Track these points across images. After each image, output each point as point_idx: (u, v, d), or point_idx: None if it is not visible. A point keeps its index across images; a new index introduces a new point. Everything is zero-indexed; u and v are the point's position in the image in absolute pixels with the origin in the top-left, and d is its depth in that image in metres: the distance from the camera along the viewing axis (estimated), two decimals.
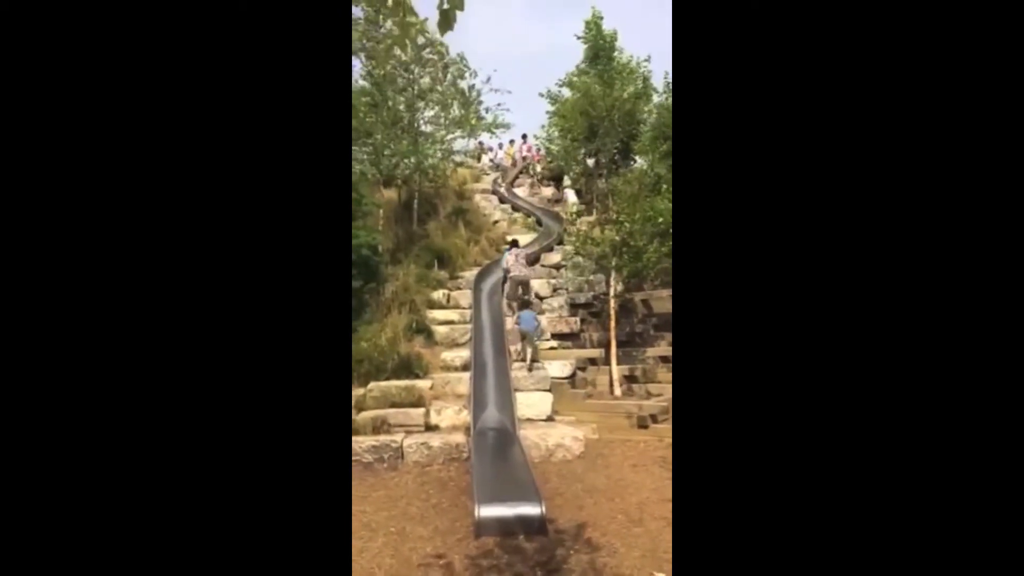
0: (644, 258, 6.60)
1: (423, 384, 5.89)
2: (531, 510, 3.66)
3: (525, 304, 7.06)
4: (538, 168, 13.50)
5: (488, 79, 10.87)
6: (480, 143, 13.93)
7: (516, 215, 11.22)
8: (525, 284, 7.40)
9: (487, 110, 10.05)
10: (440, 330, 7.03)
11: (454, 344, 6.88)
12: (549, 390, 5.95)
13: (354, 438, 5.06)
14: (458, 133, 10.45)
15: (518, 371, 6.13)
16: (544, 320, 7.39)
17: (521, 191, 12.87)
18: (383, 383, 5.80)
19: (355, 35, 8.78)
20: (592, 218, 9.06)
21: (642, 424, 5.51)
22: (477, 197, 11.84)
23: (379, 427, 5.29)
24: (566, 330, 7.44)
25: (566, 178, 11.88)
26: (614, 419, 5.66)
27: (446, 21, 1.40)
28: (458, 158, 11.17)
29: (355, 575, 3.04)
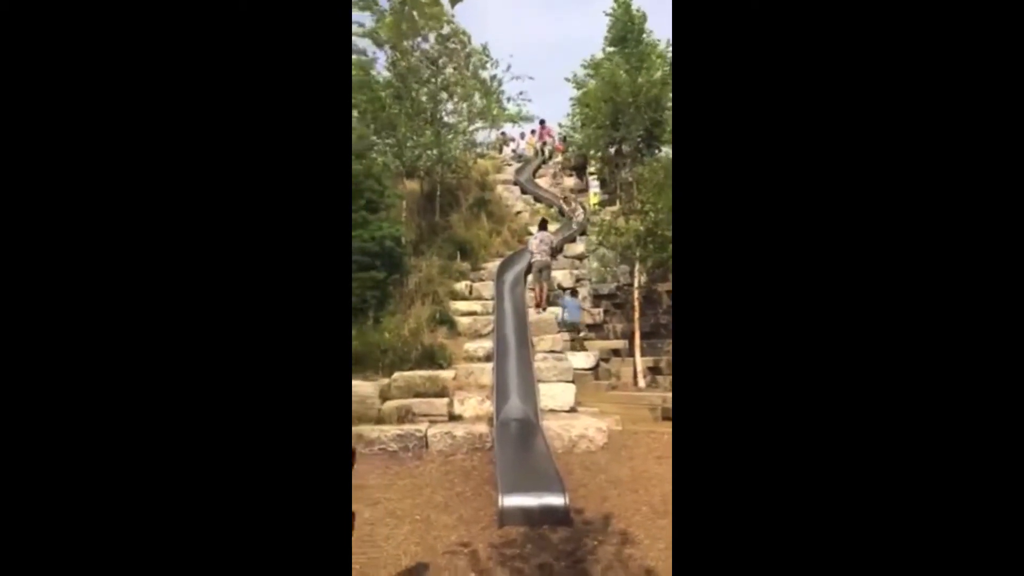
0: (669, 248, 6.50)
1: (446, 374, 5.93)
2: (555, 500, 3.66)
3: (573, 293, 7.39)
4: (559, 157, 13.37)
5: (508, 67, 10.76)
6: (502, 133, 13.86)
7: (538, 205, 11.16)
8: (546, 269, 7.39)
9: (508, 99, 10.00)
10: (463, 321, 7.07)
11: (477, 335, 6.90)
12: (572, 381, 5.93)
13: (379, 427, 5.14)
14: (480, 124, 10.43)
15: (541, 362, 6.12)
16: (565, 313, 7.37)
17: (543, 181, 12.79)
18: (407, 373, 5.86)
19: (381, 26, 8.80)
20: (616, 208, 8.95)
21: (666, 416, 5.45)
22: (499, 188, 11.82)
23: (404, 416, 5.36)
24: (589, 321, 7.39)
25: (589, 167, 11.74)
26: (638, 411, 5.61)
27: None
28: (480, 149, 11.15)
29: (380, 562, 3.09)
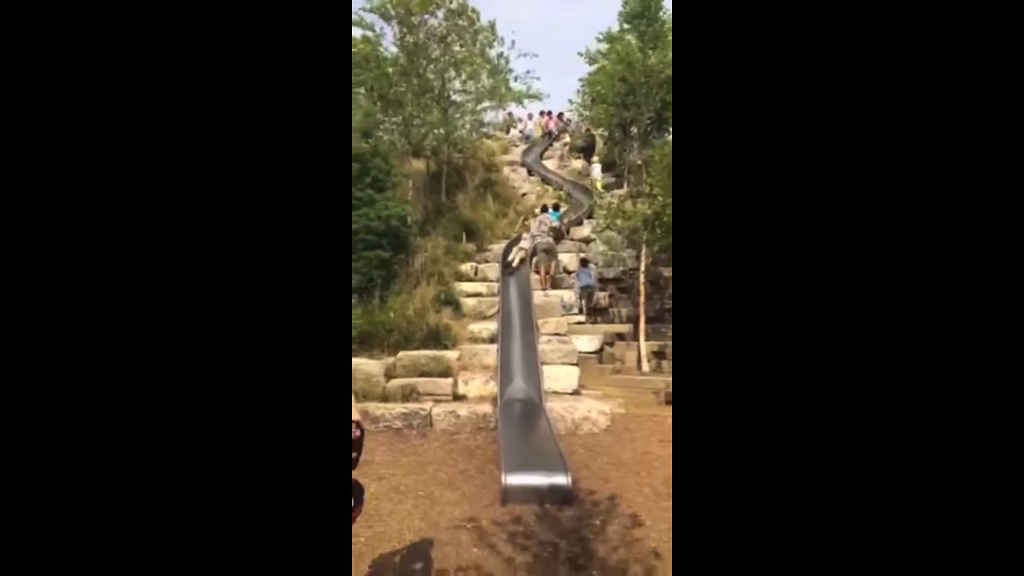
0: None
1: (451, 355, 5.96)
2: (558, 480, 3.70)
3: (584, 263, 7.51)
4: (567, 138, 13.22)
5: (512, 43, 10.55)
6: (509, 114, 13.71)
7: (547, 187, 11.08)
8: (551, 250, 7.39)
9: (516, 79, 9.85)
10: (468, 302, 7.07)
11: (481, 316, 6.92)
12: (576, 364, 5.95)
13: (384, 405, 5.19)
14: (488, 103, 10.29)
15: (545, 344, 6.14)
16: (571, 295, 7.36)
17: (551, 163, 12.68)
18: (412, 352, 5.89)
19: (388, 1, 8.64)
20: (624, 191, 8.87)
21: (670, 400, 5.48)
22: (506, 169, 11.73)
23: (408, 395, 5.40)
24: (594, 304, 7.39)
25: (597, 147, 11.61)
26: (641, 394, 5.64)
27: None
28: (487, 129, 11.03)
29: (385, 536, 3.14)
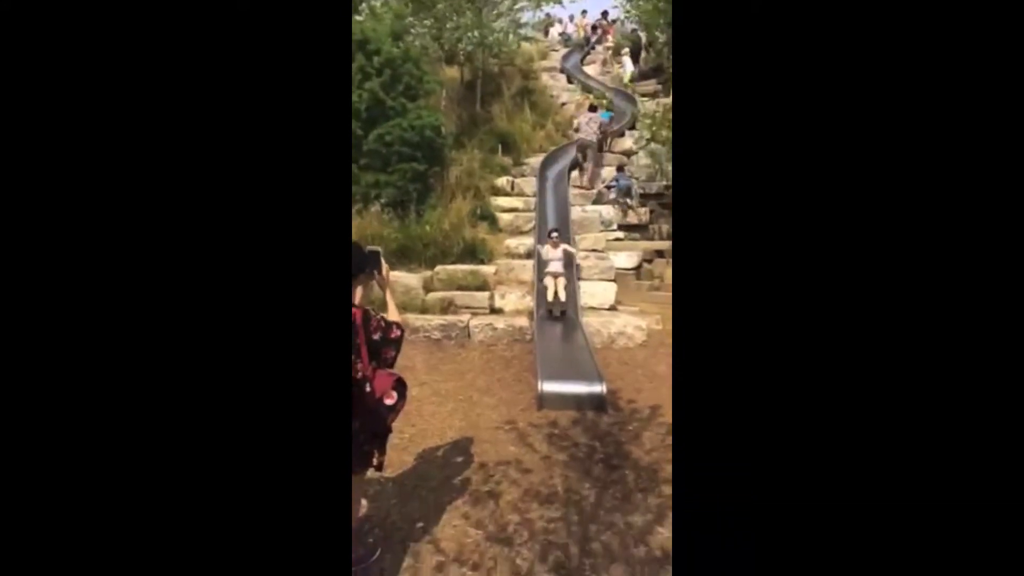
0: None
1: (487, 269, 5.99)
2: (593, 388, 3.78)
3: (620, 168, 7.32)
4: (610, 41, 12.22)
5: None
6: (548, 14, 12.67)
7: (587, 96, 10.45)
8: (592, 148, 7.12)
9: None
10: (504, 217, 6.98)
11: (518, 231, 6.84)
12: (613, 280, 5.89)
13: (424, 316, 5.33)
14: (524, 3, 9.50)
15: (582, 260, 6.06)
16: (610, 211, 7.13)
17: (592, 69, 11.85)
18: (449, 267, 5.94)
19: None
20: (669, 99, 8.25)
21: None
22: (544, 76, 11.06)
23: (446, 308, 5.52)
24: (634, 221, 7.17)
25: (642, 54, 10.72)
26: None
27: None
28: (525, 31, 10.27)
29: (428, 434, 3.34)
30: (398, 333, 1.95)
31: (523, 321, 5.24)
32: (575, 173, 7.25)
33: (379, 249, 1.96)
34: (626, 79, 9.00)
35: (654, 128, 6.75)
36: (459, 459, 3.04)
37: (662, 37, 9.70)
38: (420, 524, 2.39)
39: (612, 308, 5.63)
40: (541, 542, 2.26)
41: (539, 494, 2.65)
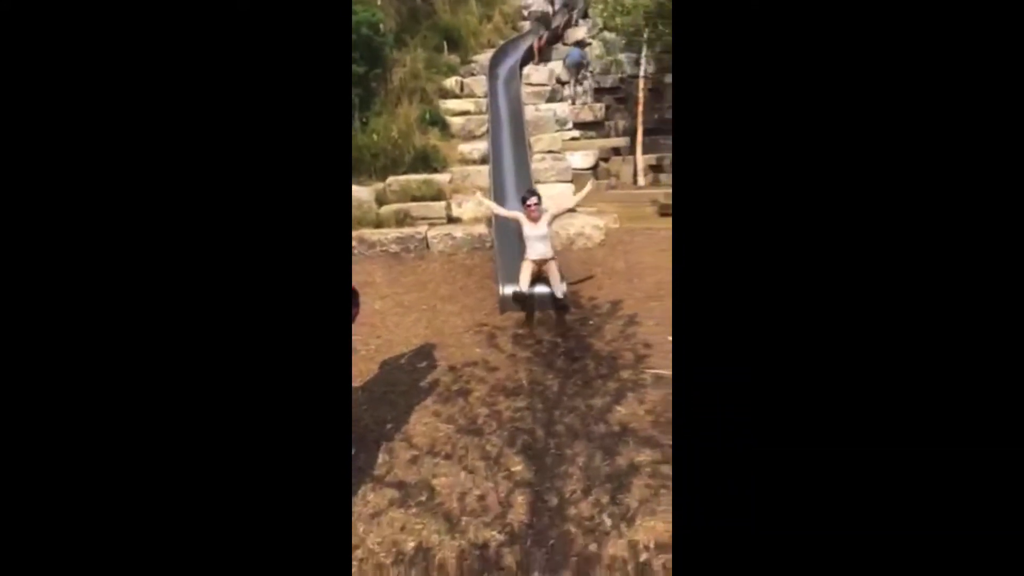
0: None
1: (442, 178, 5.79)
2: (553, 288, 3.84)
3: (579, 44, 7.15)
4: None
5: None
6: None
7: None
8: (545, 17, 6.92)
9: None
10: (455, 121, 6.64)
11: (471, 136, 6.56)
12: (571, 181, 5.81)
13: (379, 231, 5.19)
14: None
15: (539, 163, 5.91)
16: (566, 108, 6.87)
17: None
18: (402, 177, 5.71)
19: None
20: None
21: (664, 212, 5.47)
22: None
23: (402, 220, 5.38)
24: (590, 118, 6.95)
25: None
26: (637, 208, 5.61)
27: None
28: None
29: (393, 344, 3.37)
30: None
31: (482, 229, 5.17)
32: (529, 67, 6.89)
33: None
34: None
35: (605, 15, 6.34)
36: (425, 363, 3.11)
37: None
38: (390, 425, 2.48)
39: (571, 210, 5.60)
40: (509, 429, 2.40)
41: (505, 388, 2.77)
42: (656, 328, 3.35)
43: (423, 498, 1.99)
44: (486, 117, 6.53)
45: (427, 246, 5.13)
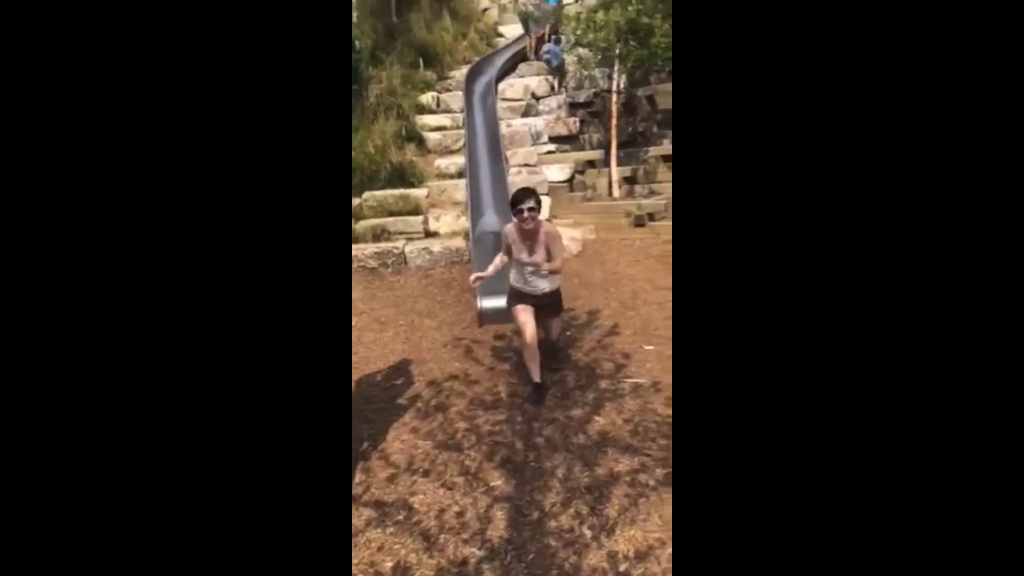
0: (652, 43, 5.89)
1: (419, 192, 5.79)
2: None
3: (556, 41, 7.49)
4: None
5: None
6: None
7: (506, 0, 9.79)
8: (529, 19, 7.51)
9: None
10: (432, 136, 6.66)
11: (447, 151, 6.58)
12: (547, 194, 5.87)
13: (356, 246, 5.15)
14: None
15: (515, 176, 5.96)
16: (541, 122, 6.95)
17: None
18: (378, 193, 5.69)
19: None
20: (595, 0, 7.88)
21: (639, 223, 5.56)
22: None
23: (379, 235, 5.35)
24: (564, 132, 7.05)
25: None
26: (612, 219, 5.69)
27: None
28: None
29: (370, 360, 3.33)
30: None
31: (459, 242, 5.18)
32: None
33: None
34: None
35: (579, 31, 6.46)
36: (403, 379, 3.07)
37: None
38: (367, 443, 2.44)
39: (547, 221, 5.65)
40: (488, 444, 2.38)
41: (484, 402, 2.75)
42: (633, 337, 3.39)
43: (400, 517, 1.96)
44: (463, 132, 6.57)
45: (404, 261, 5.11)
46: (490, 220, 5.43)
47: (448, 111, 7.15)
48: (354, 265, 5.04)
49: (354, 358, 3.34)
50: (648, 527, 1.82)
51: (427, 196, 5.83)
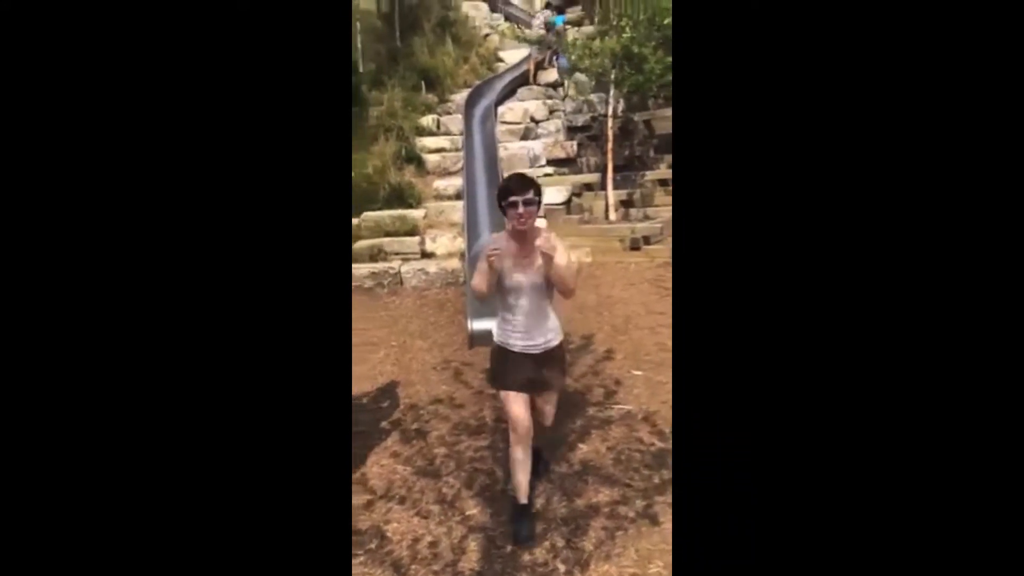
0: (647, 69, 5.98)
1: (416, 213, 5.83)
2: None
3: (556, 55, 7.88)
4: None
5: None
6: None
7: (506, 26, 9.99)
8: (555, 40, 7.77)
9: None
10: (431, 158, 6.74)
11: (446, 173, 6.65)
12: (544, 216, 5.90)
13: (352, 265, 5.18)
14: None
15: None
16: (539, 145, 7.03)
17: None
18: (375, 213, 5.74)
19: None
20: (592, 28, 8.04)
21: (634, 246, 5.56)
22: (465, 6, 10.44)
23: (376, 255, 5.37)
24: (562, 155, 7.12)
25: None
26: (608, 242, 5.70)
27: None
28: None
29: (358, 381, 3.31)
30: None
31: (456, 263, 5.19)
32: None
33: None
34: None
35: (575, 58, 6.58)
36: (388, 402, 3.05)
37: None
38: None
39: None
40: (468, 470, 2.35)
41: (468, 427, 2.73)
42: (624, 362, 3.36)
43: (372, 545, 1.92)
44: (461, 154, 6.64)
45: (400, 281, 5.13)
46: (486, 240, 5.45)
47: (448, 133, 7.25)
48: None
49: None
50: (623, 562, 1.78)
51: (424, 217, 5.87)
